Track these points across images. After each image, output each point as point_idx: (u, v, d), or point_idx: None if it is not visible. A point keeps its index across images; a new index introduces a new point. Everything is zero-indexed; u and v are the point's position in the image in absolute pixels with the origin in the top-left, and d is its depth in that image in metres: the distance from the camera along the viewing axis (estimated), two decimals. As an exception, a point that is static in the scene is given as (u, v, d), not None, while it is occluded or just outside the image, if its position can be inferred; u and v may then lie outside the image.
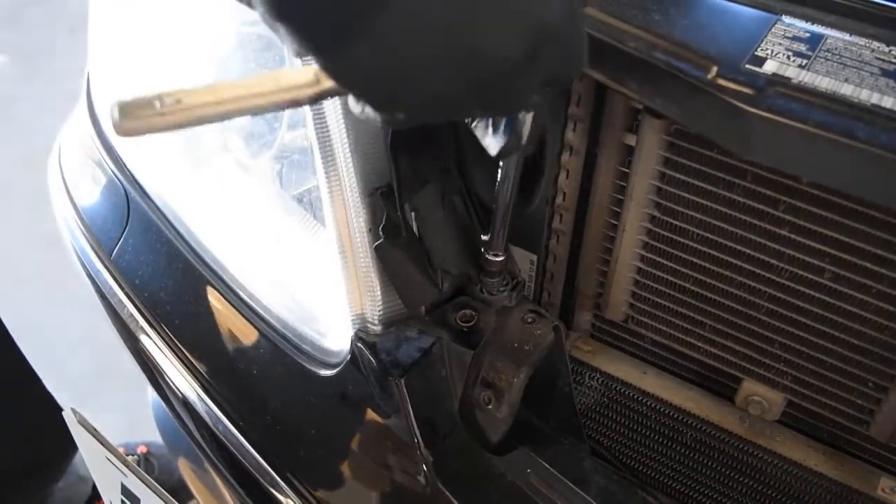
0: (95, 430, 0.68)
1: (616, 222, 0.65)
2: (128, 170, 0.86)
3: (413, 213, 0.64)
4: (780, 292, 0.58)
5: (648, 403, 0.71)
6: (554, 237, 0.71)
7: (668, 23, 0.55)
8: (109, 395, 1.66)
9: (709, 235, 0.59)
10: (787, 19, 0.56)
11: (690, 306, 0.64)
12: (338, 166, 0.63)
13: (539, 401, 0.66)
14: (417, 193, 0.64)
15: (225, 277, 0.75)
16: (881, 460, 0.64)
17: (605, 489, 0.61)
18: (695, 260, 0.61)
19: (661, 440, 0.70)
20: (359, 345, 0.64)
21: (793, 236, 0.56)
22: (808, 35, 0.54)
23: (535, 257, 0.73)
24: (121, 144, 0.87)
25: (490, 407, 0.63)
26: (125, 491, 0.70)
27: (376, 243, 0.63)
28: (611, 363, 0.72)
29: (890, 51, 0.53)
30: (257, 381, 0.71)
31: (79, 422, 0.68)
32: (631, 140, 0.61)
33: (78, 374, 1.75)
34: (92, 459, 0.70)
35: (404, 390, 0.61)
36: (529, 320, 0.65)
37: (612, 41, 0.54)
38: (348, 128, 0.62)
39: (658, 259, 0.63)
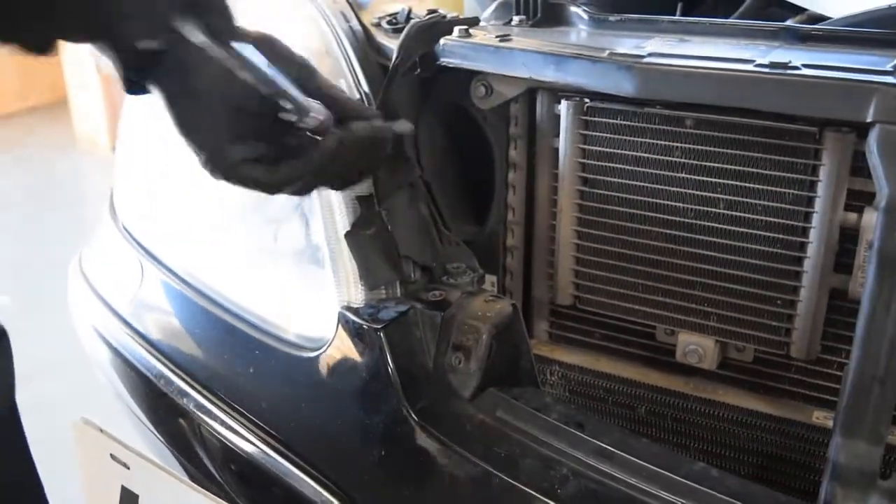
0: (101, 428, 0.74)
1: (554, 222, 0.79)
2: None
3: (385, 213, 0.78)
4: (690, 232, 0.71)
5: (604, 384, 0.79)
6: (509, 254, 0.84)
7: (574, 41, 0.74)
8: None
9: (625, 195, 0.73)
10: (662, 35, 0.75)
11: (622, 270, 0.75)
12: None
13: (506, 381, 0.75)
14: (390, 198, 0.78)
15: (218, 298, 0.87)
16: (810, 397, 0.72)
17: (565, 414, 0.68)
18: (618, 222, 0.74)
19: (619, 411, 0.78)
20: (344, 312, 0.74)
21: (689, 176, 0.70)
22: (676, 39, 0.73)
23: (494, 278, 0.86)
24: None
25: (461, 365, 0.72)
26: (124, 493, 0.73)
27: (345, 232, 0.76)
28: (568, 355, 0.81)
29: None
30: (251, 376, 0.79)
31: (84, 423, 0.74)
32: (558, 143, 0.77)
33: None
34: (91, 465, 0.74)
35: (384, 341, 0.71)
36: (489, 299, 0.76)
37: (534, 50, 0.72)
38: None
39: (590, 231, 0.76)
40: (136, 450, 0.72)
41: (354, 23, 0.92)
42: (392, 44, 0.89)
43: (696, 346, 0.74)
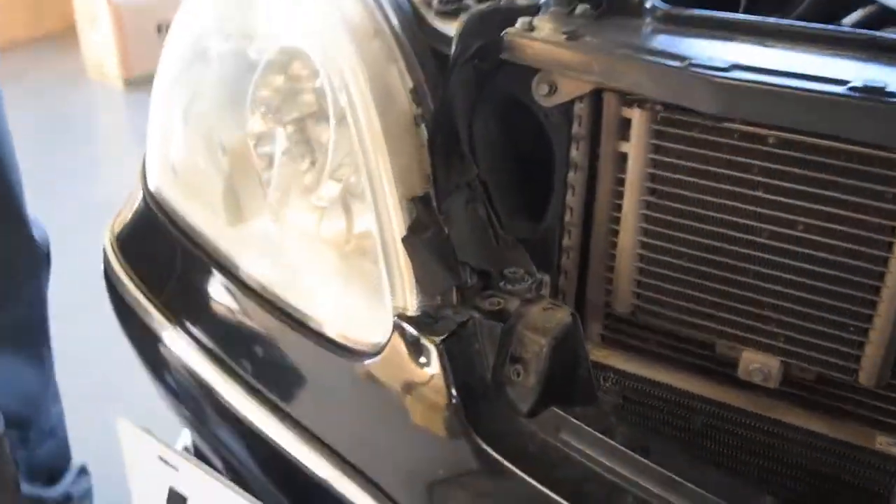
0: (148, 430, 0.73)
1: (617, 227, 0.77)
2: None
3: (443, 216, 0.76)
4: (762, 252, 0.69)
5: (660, 394, 0.78)
6: (564, 254, 0.82)
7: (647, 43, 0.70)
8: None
9: (696, 210, 0.70)
10: (741, 39, 0.71)
11: (688, 284, 0.73)
12: (382, 180, 0.75)
13: (563, 390, 0.73)
14: (447, 200, 0.76)
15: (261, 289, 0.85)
16: (875, 420, 0.71)
17: (629, 437, 0.67)
18: (686, 236, 0.72)
19: (675, 422, 0.76)
20: (400, 321, 0.72)
21: (766, 196, 0.67)
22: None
23: (548, 277, 0.83)
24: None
25: (519, 379, 0.71)
26: (172, 495, 0.73)
27: (402, 236, 0.73)
28: (623, 362, 0.80)
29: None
30: (307, 381, 0.78)
31: (132, 426, 0.73)
32: (625, 147, 0.74)
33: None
34: (139, 466, 0.74)
35: (444, 355, 0.69)
36: (548, 307, 0.74)
37: (604, 54, 0.69)
38: (391, 148, 0.76)
39: (656, 243, 0.74)
40: (184, 452, 0.71)
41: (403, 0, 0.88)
42: (444, 26, 0.85)
43: (760, 366, 0.72)
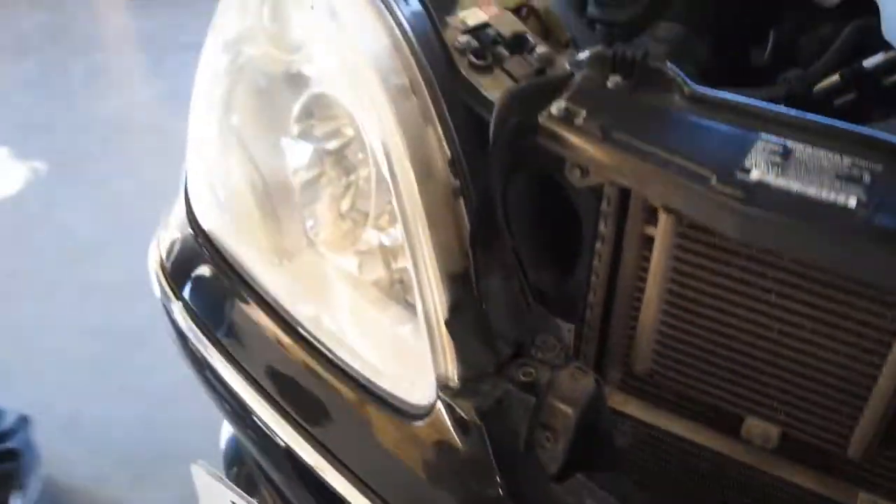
0: (221, 476, 0.83)
1: (640, 295, 0.83)
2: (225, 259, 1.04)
3: (481, 295, 0.82)
4: (771, 344, 0.76)
5: (670, 442, 0.87)
6: (589, 309, 0.89)
7: (676, 141, 0.74)
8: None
9: (714, 302, 0.77)
10: (764, 136, 0.75)
11: (702, 359, 0.81)
12: (424, 257, 0.81)
13: (588, 454, 0.83)
14: (486, 279, 0.82)
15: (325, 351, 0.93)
16: (859, 479, 0.81)
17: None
18: (704, 321, 0.79)
19: (682, 470, 0.86)
20: (443, 395, 0.81)
21: (780, 301, 0.74)
22: (781, 148, 0.74)
23: (572, 326, 0.91)
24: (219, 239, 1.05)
25: (549, 444, 0.80)
26: (244, 537, 0.84)
27: (445, 320, 0.81)
28: (639, 410, 0.89)
29: (841, 159, 0.72)
30: (353, 432, 0.88)
31: (206, 472, 0.83)
32: (650, 231, 0.80)
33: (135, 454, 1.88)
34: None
35: (484, 430, 0.78)
36: (576, 376, 0.83)
37: (635, 157, 0.73)
38: (431, 224, 0.82)
39: (675, 322, 0.81)
40: (253, 500, 0.81)
41: (438, 50, 0.91)
42: (477, 79, 0.89)
43: (761, 431, 0.81)
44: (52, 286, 2.29)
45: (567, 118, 0.79)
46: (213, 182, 1.08)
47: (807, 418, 0.78)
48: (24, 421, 1.84)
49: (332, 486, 0.85)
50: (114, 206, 2.38)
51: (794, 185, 0.69)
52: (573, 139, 0.77)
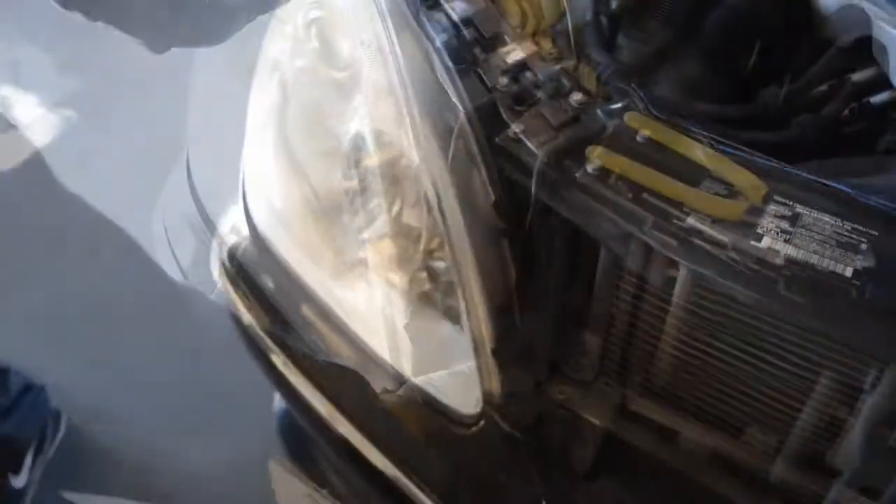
0: (297, 472, 0.97)
1: (659, 324, 0.95)
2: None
3: (525, 326, 0.95)
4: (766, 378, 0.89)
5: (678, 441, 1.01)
6: (614, 325, 1.01)
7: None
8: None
9: (708, 349, 0.89)
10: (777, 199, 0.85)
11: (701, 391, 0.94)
12: (473, 296, 0.93)
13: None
14: (527, 310, 0.94)
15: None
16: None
17: None
18: (713, 362, 0.91)
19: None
20: (489, 410, 0.94)
21: (770, 340, 0.86)
22: (790, 214, 0.84)
23: (599, 339, 1.03)
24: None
25: (580, 451, 0.94)
26: (320, 532, 0.98)
27: (491, 348, 0.93)
28: (655, 412, 1.02)
29: (842, 224, 0.82)
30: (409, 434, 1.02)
31: (283, 468, 0.96)
32: (673, 273, 0.91)
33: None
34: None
35: (525, 443, 0.92)
36: (604, 392, 0.96)
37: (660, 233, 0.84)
38: (479, 264, 0.93)
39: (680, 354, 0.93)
40: (329, 495, 0.95)
41: (482, 92, 0.99)
42: (517, 124, 0.97)
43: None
44: (94, 240, 2.37)
45: (602, 177, 0.88)
46: (270, 194, 1.18)
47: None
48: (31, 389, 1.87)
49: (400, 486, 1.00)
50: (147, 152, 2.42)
51: (727, 237, 0.79)
52: (607, 197, 0.87)
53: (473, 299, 0.94)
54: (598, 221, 0.90)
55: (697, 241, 0.79)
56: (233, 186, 1.26)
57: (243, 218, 1.20)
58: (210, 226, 1.24)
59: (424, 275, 1.08)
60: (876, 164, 0.99)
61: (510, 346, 0.94)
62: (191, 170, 1.29)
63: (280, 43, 1.17)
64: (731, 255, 0.80)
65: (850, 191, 0.83)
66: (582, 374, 0.98)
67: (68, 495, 1.76)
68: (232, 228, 1.23)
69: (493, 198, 0.95)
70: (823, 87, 1.02)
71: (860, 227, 0.81)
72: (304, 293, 1.12)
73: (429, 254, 1.06)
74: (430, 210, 1.02)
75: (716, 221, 0.80)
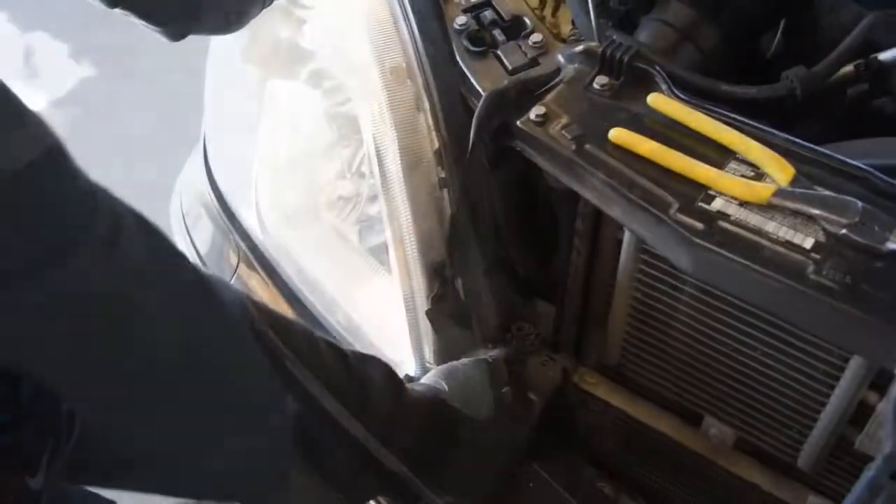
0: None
1: (612, 288, 0.86)
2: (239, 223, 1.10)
3: (461, 284, 0.86)
4: (726, 358, 0.79)
5: (635, 426, 0.92)
6: (568, 295, 0.92)
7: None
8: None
9: (673, 313, 0.80)
10: (738, 157, 0.75)
11: (663, 360, 0.84)
12: (407, 249, 0.85)
13: (550, 423, 0.88)
14: (466, 269, 0.86)
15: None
16: (810, 481, 0.84)
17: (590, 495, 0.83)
18: (664, 328, 0.81)
19: (646, 454, 0.91)
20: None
21: (732, 322, 0.76)
22: (753, 173, 0.73)
23: (552, 308, 0.94)
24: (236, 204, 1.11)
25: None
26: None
27: (426, 309, 0.85)
28: (609, 393, 0.93)
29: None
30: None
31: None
32: (622, 235, 0.81)
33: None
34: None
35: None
36: (544, 363, 0.87)
37: (603, 176, 0.74)
38: (415, 214, 0.85)
39: (640, 325, 0.84)
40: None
41: (437, 30, 0.91)
42: (471, 66, 0.89)
43: (717, 431, 0.85)
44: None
45: (544, 124, 0.79)
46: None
47: (760, 427, 0.81)
48: None
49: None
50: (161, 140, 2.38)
51: (753, 220, 0.70)
52: (545, 149, 0.78)
53: (406, 253, 0.86)
54: (545, 173, 0.82)
55: (724, 225, 0.69)
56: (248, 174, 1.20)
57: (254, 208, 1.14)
58: (227, 212, 1.18)
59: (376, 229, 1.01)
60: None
61: (445, 308, 0.86)
62: (208, 156, 1.22)
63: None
64: (673, 218, 0.70)
65: (875, 173, 0.72)
66: (526, 344, 0.89)
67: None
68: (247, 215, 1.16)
69: (436, 144, 0.87)
70: (849, 68, 0.90)
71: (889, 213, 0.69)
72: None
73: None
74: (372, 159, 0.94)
75: (743, 204, 0.70)
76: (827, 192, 0.70)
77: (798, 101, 0.87)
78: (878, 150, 0.82)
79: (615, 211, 0.74)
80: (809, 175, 0.72)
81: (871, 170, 0.71)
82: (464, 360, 0.85)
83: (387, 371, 0.77)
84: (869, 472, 0.66)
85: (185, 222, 1.16)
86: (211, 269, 1.09)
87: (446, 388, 0.82)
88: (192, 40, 0.84)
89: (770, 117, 0.83)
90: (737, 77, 0.93)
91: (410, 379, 0.86)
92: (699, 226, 0.70)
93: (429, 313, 0.86)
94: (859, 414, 0.73)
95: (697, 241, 0.69)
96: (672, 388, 0.86)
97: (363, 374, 0.75)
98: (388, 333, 0.98)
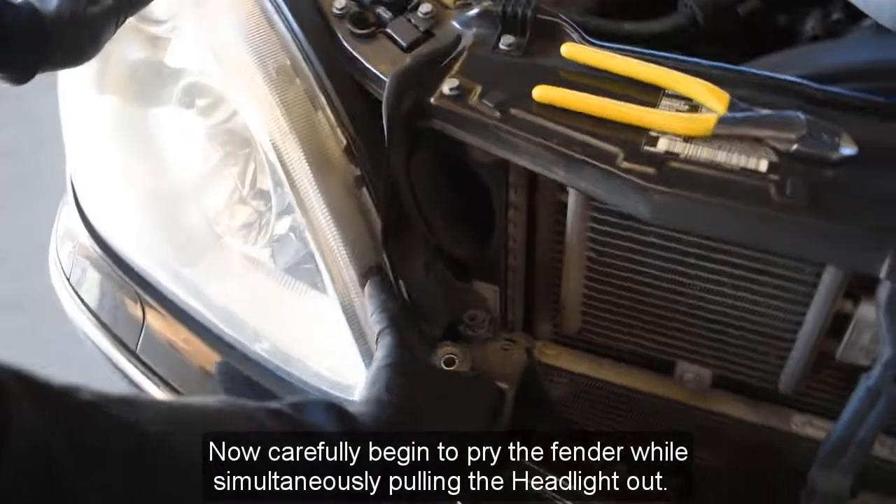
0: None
1: (559, 257, 0.82)
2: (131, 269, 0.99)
3: (403, 283, 0.80)
4: (694, 300, 0.76)
5: (607, 388, 0.88)
6: (510, 271, 0.87)
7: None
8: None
9: (633, 266, 0.76)
10: (668, 93, 0.72)
11: (630, 316, 0.81)
12: (336, 259, 0.78)
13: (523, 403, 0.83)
14: (406, 267, 0.80)
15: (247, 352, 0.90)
16: (795, 402, 0.83)
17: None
18: (626, 283, 0.78)
19: (621, 414, 0.88)
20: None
21: (699, 262, 0.73)
22: (686, 107, 0.70)
23: (497, 288, 0.89)
24: (119, 245, 0.99)
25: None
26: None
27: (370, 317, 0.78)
28: (572, 362, 0.89)
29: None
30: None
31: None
32: (564, 197, 0.77)
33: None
34: None
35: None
36: (506, 348, 0.82)
37: (539, 139, 0.69)
38: (337, 221, 0.78)
39: (598, 286, 0.80)
40: None
41: (315, 19, 0.83)
42: (361, 50, 0.82)
43: (693, 375, 0.83)
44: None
45: (461, 97, 0.74)
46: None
47: (737, 361, 0.79)
48: None
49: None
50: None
51: (703, 153, 0.67)
52: (469, 121, 0.73)
53: (336, 262, 0.79)
54: (470, 147, 0.76)
55: (675, 165, 0.65)
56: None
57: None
58: (117, 260, 1.04)
59: (291, 245, 0.93)
60: (809, 54, 0.87)
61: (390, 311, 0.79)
62: (80, 204, 1.08)
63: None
64: (622, 167, 0.66)
65: (808, 83, 0.70)
66: (482, 332, 0.84)
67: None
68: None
69: (343, 141, 0.80)
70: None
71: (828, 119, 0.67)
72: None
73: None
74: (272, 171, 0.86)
75: (688, 140, 0.67)
76: (768, 112, 0.68)
77: (701, 28, 0.85)
78: (793, 62, 0.81)
79: (557, 173, 0.70)
80: (742, 98, 0.70)
81: (802, 81, 0.70)
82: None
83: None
84: (868, 381, 0.66)
85: (69, 284, 1.04)
86: (117, 327, 0.97)
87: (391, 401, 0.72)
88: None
89: (673, 48, 0.81)
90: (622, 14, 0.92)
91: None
92: (650, 171, 0.66)
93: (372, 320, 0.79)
94: (837, 326, 0.72)
95: (653, 186, 0.65)
96: (641, 342, 0.83)
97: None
98: (321, 349, 0.91)
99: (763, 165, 0.65)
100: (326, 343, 0.88)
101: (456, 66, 0.76)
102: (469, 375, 0.80)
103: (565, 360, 0.90)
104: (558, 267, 0.83)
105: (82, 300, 1.02)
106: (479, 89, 0.74)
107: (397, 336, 0.73)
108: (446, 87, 0.74)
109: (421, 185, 0.82)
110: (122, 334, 0.99)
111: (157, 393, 0.97)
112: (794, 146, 0.65)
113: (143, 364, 0.98)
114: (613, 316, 0.82)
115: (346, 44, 0.82)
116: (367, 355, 0.81)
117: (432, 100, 0.74)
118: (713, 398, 0.85)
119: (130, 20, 0.95)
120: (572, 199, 0.74)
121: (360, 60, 0.81)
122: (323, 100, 0.81)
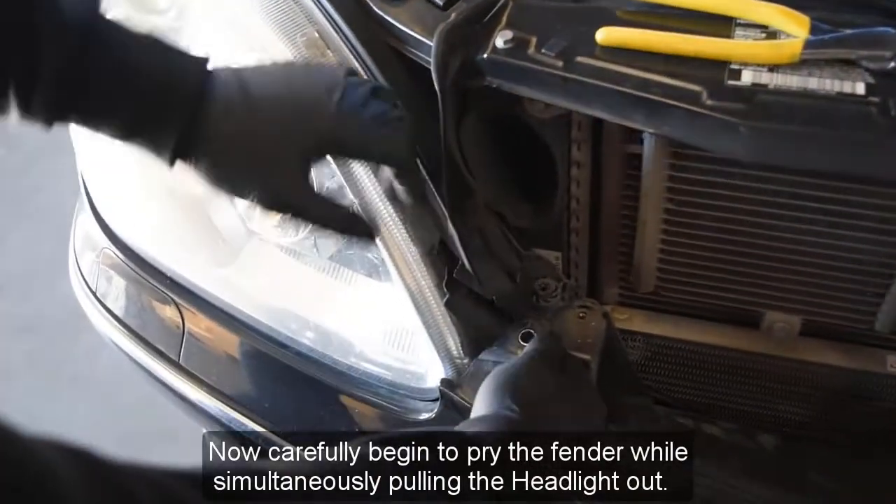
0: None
1: (628, 213, 0.77)
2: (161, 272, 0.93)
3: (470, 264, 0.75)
4: (786, 244, 0.71)
5: (687, 348, 0.83)
6: (573, 234, 0.82)
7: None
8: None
9: (719, 214, 0.71)
10: (741, 22, 0.66)
11: (713, 269, 0.76)
12: (399, 244, 0.72)
13: (605, 374, 0.78)
14: (470, 245, 0.74)
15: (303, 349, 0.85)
16: (887, 342, 0.78)
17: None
18: (711, 233, 0.73)
19: (704, 374, 0.83)
20: (446, 390, 0.74)
21: (791, 202, 0.68)
22: (763, 35, 0.65)
23: (559, 254, 0.84)
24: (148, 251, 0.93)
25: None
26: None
27: (445, 300, 0.73)
28: (647, 324, 0.84)
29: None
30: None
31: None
32: (635, 149, 0.72)
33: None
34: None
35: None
36: (582, 315, 0.77)
37: (612, 85, 0.64)
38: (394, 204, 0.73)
39: (678, 239, 0.75)
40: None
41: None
42: (391, 16, 0.76)
43: (783, 324, 0.78)
44: None
45: (517, 49, 0.68)
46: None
47: (831, 304, 0.75)
48: None
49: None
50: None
51: (793, 81, 0.62)
52: (529, 73, 0.67)
53: (399, 247, 0.73)
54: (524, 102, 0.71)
55: (766, 97, 0.60)
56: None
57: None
58: (147, 268, 0.97)
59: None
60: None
61: (462, 291, 0.74)
62: (97, 209, 1.01)
63: None
64: (707, 105, 0.61)
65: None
66: (555, 301, 0.78)
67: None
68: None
69: (389, 114, 0.74)
70: None
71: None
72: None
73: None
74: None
75: (773, 69, 0.61)
76: (856, 30, 0.63)
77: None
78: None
79: (636, 119, 0.64)
80: (820, 20, 0.65)
81: (883, -2, 0.65)
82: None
83: None
84: None
85: (95, 297, 0.97)
86: (154, 337, 0.91)
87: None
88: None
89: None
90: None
91: (451, 385, 0.74)
92: (740, 106, 0.61)
93: (448, 303, 0.74)
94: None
95: (745, 122, 0.60)
96: (725, 294, 0.78)
97: None
98: (371, 335, 0.86)
99: (860, 88, 0.60)
100: (387, 330, 0.82)
101: (503, 19, 0.71)
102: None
103: (638, 323, 0.85)
104: (629, 224, 0.78)
105: (110, 312, 0.96)
106: (534, 40, 0.68)
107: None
108: (500, 40, 0.68)
109: (472, 153, 0.77)
110: (160, 344, 0.93)
111: (205, 400, 0.92)
112: (892, 63, 0.60)
113: (187, 373, 0.92)
114: (694, 270, 0.77)
115: (376, 9, 0.76)
116: (440, 342, 0.76)
117: (485, 55, 0.68)
118: (804, 347, 0.80)
119: (131, 12, 0.89)
120: (648, 148, 0.69)
121: (394, 25, 0.75)
122: (360, 70, 0.75)
